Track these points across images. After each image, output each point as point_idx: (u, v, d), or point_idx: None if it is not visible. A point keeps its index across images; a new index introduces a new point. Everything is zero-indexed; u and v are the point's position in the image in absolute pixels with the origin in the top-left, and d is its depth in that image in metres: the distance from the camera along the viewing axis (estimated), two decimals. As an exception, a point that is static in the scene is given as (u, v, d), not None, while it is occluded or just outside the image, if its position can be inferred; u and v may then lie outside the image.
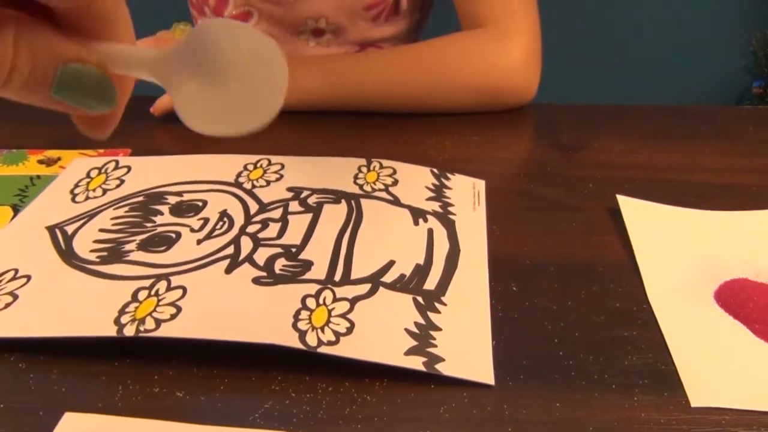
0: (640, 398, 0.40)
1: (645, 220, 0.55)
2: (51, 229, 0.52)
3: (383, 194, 0.57)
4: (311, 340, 0.41)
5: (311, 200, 0.55)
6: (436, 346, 0.42)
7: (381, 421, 0.38)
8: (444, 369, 0.41)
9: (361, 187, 0.57)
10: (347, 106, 0.73)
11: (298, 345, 0.41)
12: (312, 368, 0.41)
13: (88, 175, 0.59)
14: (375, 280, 0.47)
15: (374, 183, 0.58)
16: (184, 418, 0.38)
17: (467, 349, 0.43)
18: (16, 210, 0.56)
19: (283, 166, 0.60)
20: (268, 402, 0.39)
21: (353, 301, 0.45)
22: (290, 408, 0.39)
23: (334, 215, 0.54)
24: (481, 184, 0.60)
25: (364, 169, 0.60)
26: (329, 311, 0.44)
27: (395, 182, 0.58)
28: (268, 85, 0.28)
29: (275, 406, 0.39)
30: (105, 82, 0.28)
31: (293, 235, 0.51)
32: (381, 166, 0.60)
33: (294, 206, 0.55)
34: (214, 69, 0.28)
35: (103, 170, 0.59)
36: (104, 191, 0.57)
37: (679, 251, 0.52)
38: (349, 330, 0.43)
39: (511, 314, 0.46)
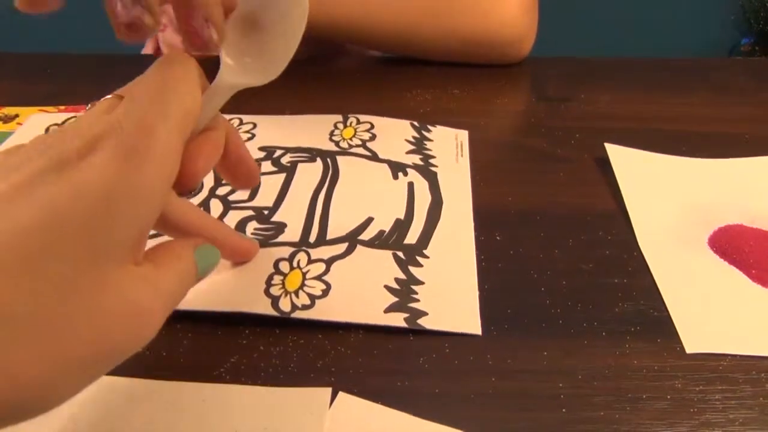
0: (632, 345, 0.38)
1: (634, 168, 0.52)
2: (8, 188, 0.49)
3: (360, 150, 0.54)
4: (284, 305, 0.39)
5: (284, 159, 0.52)
6: (418, 300, 0.40)
7: (356, 374, 0.36)
8: (427, 323, 0.38)
9: (337, 144, 0.55)
10: (327, 31, 0.68)
11: (271, 312, 0.38)
12: (283, 322, 0.38)
13: (46, 131, 0.56)
14: (352, 239, 0.44)
15: (351, 139, 0.55)
16: (145, 374, 0.35)
17: (452, 301, 0.40)
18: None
19: (255, 125, 0.57)
20: (234, 356, 0.36)
21: (329, 262, 0.42)
22: (258, 362, 0.36)
23: (308, 174, 0.51)
24: (464, 135, 0.57)
25: (341, 126, 0.57)
26: (304, 274, 0.41)
27: (373, 137, 0.56)
28: (291, 29, 0.34)
29: (242, 360, 0.36)
30: None
31: (265, 197, 0.48)
32: (358, 122, 0.57)
33: (266, 166, 0.52)
34: (257, 21, 0.34)
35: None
36: (65, 149, 0.54)
37: (670, 199, 0.50)
38: (325, 292, 0.40)
39: (494, 264, 0.43)
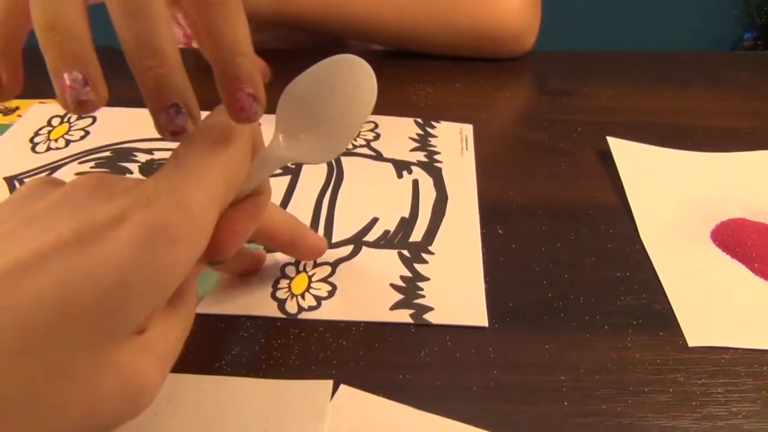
0: (634, 339, 0.38)
1: (636, 162, 0.52)
2: (9, 181, 0.49)
3: (365, 150, 0.54)
4: (291, 307, 0.39)
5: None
6: (423, 296, 0.40)
7: (357, 366, 0.36)
8: (433, 318, 0.39)
9: None
10: (328, 25, 0.67)
11: (278, 314, 0.38)
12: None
13: (49, 123, 0.56)
14: (357, 241, 0.44)
15: (355, 139, 0.55)
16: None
17: (458, 294, 0.40)
18: (-28, 162, 0.52)
19: (259, 125, 0.57)
20: (235, 348, 0.36)
21: (334, 264, 0.42)
22: (259, 354, 0.36)
23: (313, 177, 0.51)
24: (468, 129, 0.57)
25: None
26: (309, 277, 0.41)
27: (377, 137, 0.55)
28: (356, 114, 0.32)
29: (243, 352, 0.36)
30: None
31: (271, 201, 0.48)
32: None
33: None
34: (316, 101, 0.32)
35: (65, 119, 0.56)
36: (67, 142, 0.54)
37: (672, 192, 0.49)
38: (331, 293, 0.40)
39: (496, 257, 0.43)
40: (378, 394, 0.34)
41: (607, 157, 0.53)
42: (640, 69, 0.68)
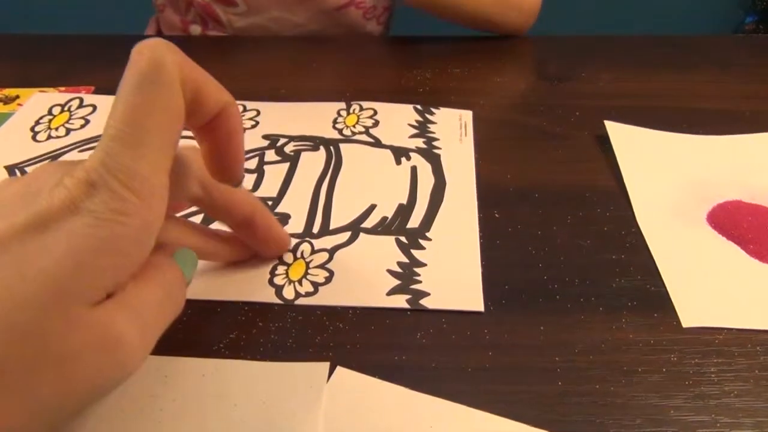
0: (628, 320, 0.38)
1: (634, 145, 0.52)
2: (11, 170, 0.50)
3: (364, 137, 0.54)
4: (288, 293, 0.39)
5: (288, 148, 0.53)
6: (420, 282, 0.40)
7: (354, 349, 0.36)
8: (429, 303, 0.39)
9: (340, 131, 0.55)
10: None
11: (275, 299, 0.39)
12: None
13: (50, 112, 0.56)
14: (355, 227, 0.45)
15: (354, 126, 0.55)
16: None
17: (454, 279, 0.41)
18: (-27, 151, 0.53)
19: (258, 113, 0.57)
20: (233, 332, 0.37)
21: (332, 251, 0.43)
22: (257, 337, 0.37)
23: (312, 163, 0.51)
24: (468, 115, 0.57)
25: (344, 113, 0.57)
26: (307, 263, 0.42)
27: (376, 123, 0.56)
28: None
29: (241, 335, 0.37)
30: None
31: (270, 187, 0.49)
32: (361, 108, 0.57)
33: (270, 155, 0.52)
34: None
35: (66, 108, 0.57)
36: (68, 131, 0.54)
37: (670, 175, 0.50)
38: (328, 279, 0.40)
39: (492, 240, 0.43)
40: (374, 376, 0.34)
41: (605, 142, 0.53)
42: (640, 53, 0.68)
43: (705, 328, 0.38)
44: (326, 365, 0.34)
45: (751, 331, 0.37)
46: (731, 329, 0.37)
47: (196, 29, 0.83)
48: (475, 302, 0.39)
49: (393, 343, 0.36)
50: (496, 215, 0.46)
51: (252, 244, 0.40)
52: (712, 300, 0.39)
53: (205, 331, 0.37)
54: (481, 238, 0.44)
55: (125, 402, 0.33)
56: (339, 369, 0.34)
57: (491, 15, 0.71)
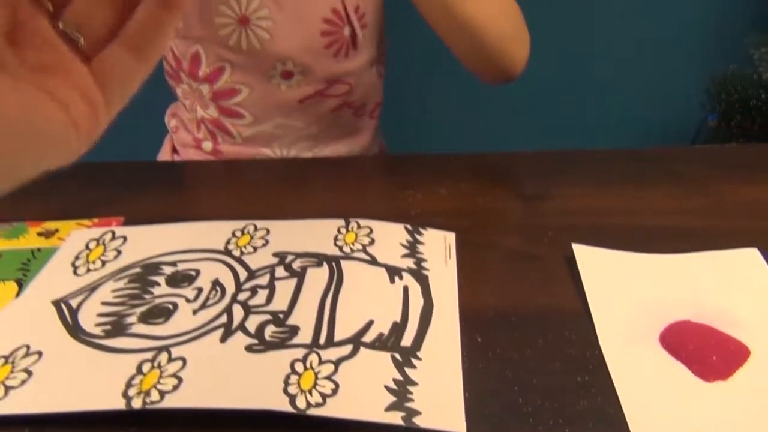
0: (590, 441, 0.45)
1: (598, 267, 0.60)
2: (57, 304, 0.57)
3: (361, 254, 0.62)
4: (300, 403, 0.46)
5: (295, 265, 0.60)
6: (413, 400, 0.47)
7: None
8: (420, 422, 0.46)
9: (340, 248, 0.63)
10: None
11: (289, 409, 0.46)
12: (298, 424, 0.46)
13: (87, 247, 0.64)
14: (356, 341, 0.52)
15: (353, 244, 0.63)
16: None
17: (441, 401, 0.48)
18: (21, 284, 0.60)
19: (268, 231, 0.65)
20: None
21: (337, 363, 0.50)
22: None
23: (317, 279, 0.59)
24: (451, 237, 0.65)
25: (343, 230, 0.65)
26: (315, 374, 0.49)
27: (372, 242, 0.64)
28: None
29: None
30: None
31: (280, 301, 0.56)
32: (358, 226, 0.65)
33: (280, 271, 0.60)
34: None
35: (100, 241, 0.64)
36: (103, 263, 0.62)
37: (628, 296, 0.57)
38: (334, 391, 0.47)
39: (476, 364, 0.51)
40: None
41: (573, 263, 0.61)
42: (604, 167, 0.77)
43: (654, 446, 0.45)
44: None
45: (693, 449, 0.45)
46: (677, 447, 0.45)
47: (207, 145, 0.91)
48: (458, 424, 0.46)
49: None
50: (479, 339, 0.53)
51: None
52: (663, 419, 0.46)
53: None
54: (465, 362, 0.51)
55: None
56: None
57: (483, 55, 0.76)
